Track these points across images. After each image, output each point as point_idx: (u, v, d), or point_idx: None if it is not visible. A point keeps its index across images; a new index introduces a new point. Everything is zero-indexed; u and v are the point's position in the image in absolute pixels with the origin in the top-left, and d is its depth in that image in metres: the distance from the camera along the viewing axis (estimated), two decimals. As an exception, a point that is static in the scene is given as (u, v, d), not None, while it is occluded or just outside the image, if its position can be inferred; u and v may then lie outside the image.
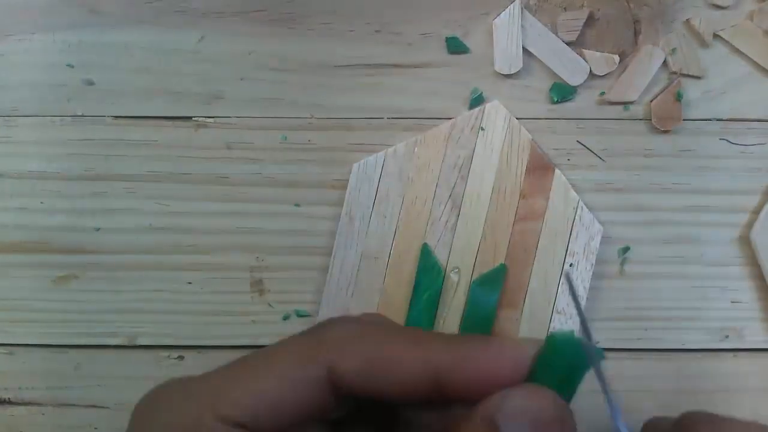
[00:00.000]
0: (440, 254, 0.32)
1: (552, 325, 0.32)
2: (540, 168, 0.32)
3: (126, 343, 0.34)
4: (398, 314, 0.32)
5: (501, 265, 0.32)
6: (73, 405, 0.34)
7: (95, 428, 0.34)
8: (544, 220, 0.32)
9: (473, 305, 0.32)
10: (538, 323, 0.32)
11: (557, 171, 0.32)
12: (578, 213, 0.32)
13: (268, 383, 0.20)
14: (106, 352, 0.34)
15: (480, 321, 0.32)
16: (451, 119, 0.33)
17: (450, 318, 0.32)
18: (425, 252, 0.32)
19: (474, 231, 0.32)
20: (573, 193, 0.32)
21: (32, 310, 0.34)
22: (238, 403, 0.20)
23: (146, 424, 0.21)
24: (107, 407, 0.34)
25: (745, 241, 0.33)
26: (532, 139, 0.33)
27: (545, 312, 0.32)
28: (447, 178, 0.33)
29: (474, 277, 0.32)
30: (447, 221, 0.32)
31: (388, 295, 0.32)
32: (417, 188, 0.33)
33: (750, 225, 0.33)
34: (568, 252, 0.32)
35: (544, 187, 0.32)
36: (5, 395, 0.34)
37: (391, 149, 0.33)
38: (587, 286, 0.32)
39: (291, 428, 0.21)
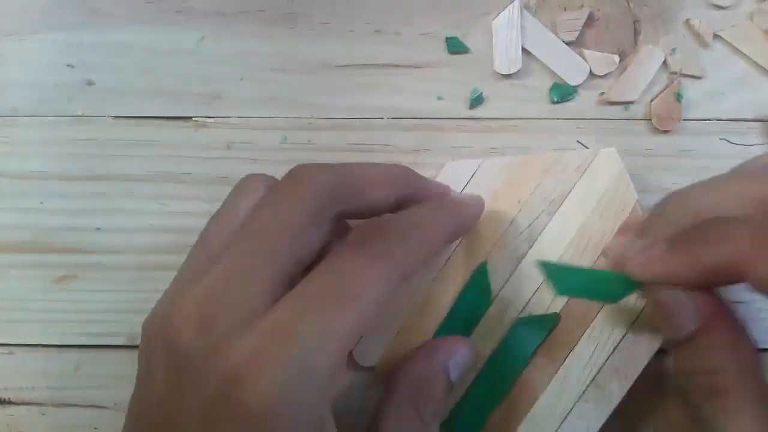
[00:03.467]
0: (496, 279, 0.30)
1: (585, 395, 0.29)
2: (631, 228, 0.29)
3: (126, 343, 0.34)
4: (434, 321, 0.30)
5: (554, 314, 0.30)
6: (73, 405, 0.34)
7: (95, 428, 0.34)
8: None
9: (509, 342, 0.30)
10: (569, 387, 0.29)
11: None
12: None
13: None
14: (106, 352, 0.34)
15: (510, 360, 0.30)
16: (557, 151, 0.31)
17: (481, 345, 0.30)
18: (482, 270, 0.30)
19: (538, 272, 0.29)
20: None
21: (32, 310, 0.34)
22: None
23: None
24: (107, 407, 0.34)
25: (745, 241, 0.33)
26: (638, 200, 0.30)
27: (581, 380, 0.29)
28: (534, 206, 0.31)
29: (521, 315, 0.30)
30: (516, 249, 0.30)
31: (428, 299, 0.31)
32: (498, 205, 0.31)
33: (750, 225, 0.33)
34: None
35: None
36: (5, 395, 0.34)
37: (488, 160, 0.31)
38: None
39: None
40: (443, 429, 0.29)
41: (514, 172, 0.31)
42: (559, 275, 0.27)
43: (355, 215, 0.27)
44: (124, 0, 0.34)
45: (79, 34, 0.34)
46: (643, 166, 0.33)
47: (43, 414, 0.34)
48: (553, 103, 0.33)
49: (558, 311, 0.30)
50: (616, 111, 0.33)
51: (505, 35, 0.33)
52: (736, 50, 0.33)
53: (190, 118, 0.34)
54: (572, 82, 0.33)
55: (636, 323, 0.29)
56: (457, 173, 0.32)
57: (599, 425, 0.29)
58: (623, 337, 0.29)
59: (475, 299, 0.30)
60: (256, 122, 0.34)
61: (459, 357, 0.28)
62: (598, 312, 0.29)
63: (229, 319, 0.22)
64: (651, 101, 0.33)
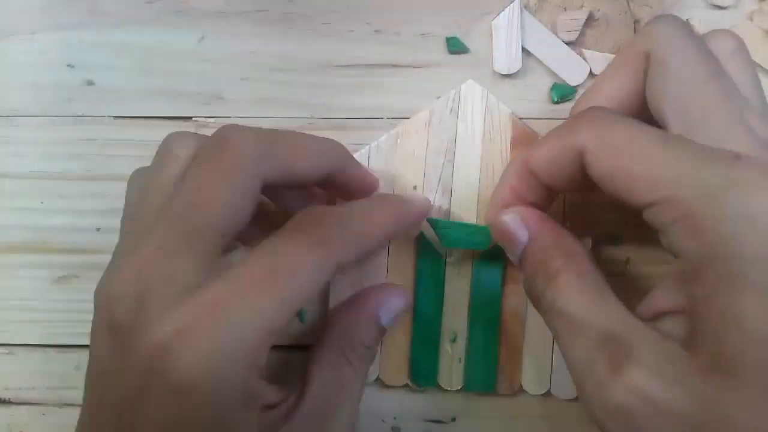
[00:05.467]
0: (435, 239, 0.32)
1: None
2: (524, 140, 0.32)
3: (126, 343, 0.34)
4: None
5: None
6: (74, 405, 0.34)
7: (95, 428, 0.34)
8: None
9: (478, 286, 0.32)
10: None
11: None
12: None
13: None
14: (106, 352, 0.34)
15: (487, 300, 0.32)
16: (426, 108, 0.33)
17: (457, 302, 0.32)
18: (423, 241, 0.32)
19: (468, 213, 0.32)
20: None
21: (32, 310, 0.34)
22: None
23: None
24: (107, 407, 0.34)
25: (745, 241, 0.33)
26: (512, 112, 0.33)
27: None
28: (434, 164, 0.33)
29: (474, 258, 0.32)
30: (440, 207, 0.32)
31: None
32: (406, 179, 0.33)
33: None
34: (565, 218, 0.32)
35: None
36: (5, 395, 0.34)
37: (373, 144, 0.33)
38: (588, 248, 0.32)
39: None
40: (464, 378, 0.32)
41: (402, 143, 0.33)
42: (443, 230, 0.31)
43: (282, 186, 0.27)
44: (124, 0, 0.34)
45: (79, 34, 0.34)
46: (643, 166, 0.33)
47: (43, 414, 0.34)
48: (553, 103, 0.33)
49: None
50: (616, 111, 0.33)
51: (505, 35, 0.33)
52: (736, 50, 0.33)
53: (190, 118, 0.34)
54: (572, 82, 0.33)
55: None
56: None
57: None
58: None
59: (430, 267, 0.32)
60: (256, 122, 0.34)
61: (389, 303, 0.30)
62: None
63: (161, 295, 0.23)
64: (651, 101, 0.33)
